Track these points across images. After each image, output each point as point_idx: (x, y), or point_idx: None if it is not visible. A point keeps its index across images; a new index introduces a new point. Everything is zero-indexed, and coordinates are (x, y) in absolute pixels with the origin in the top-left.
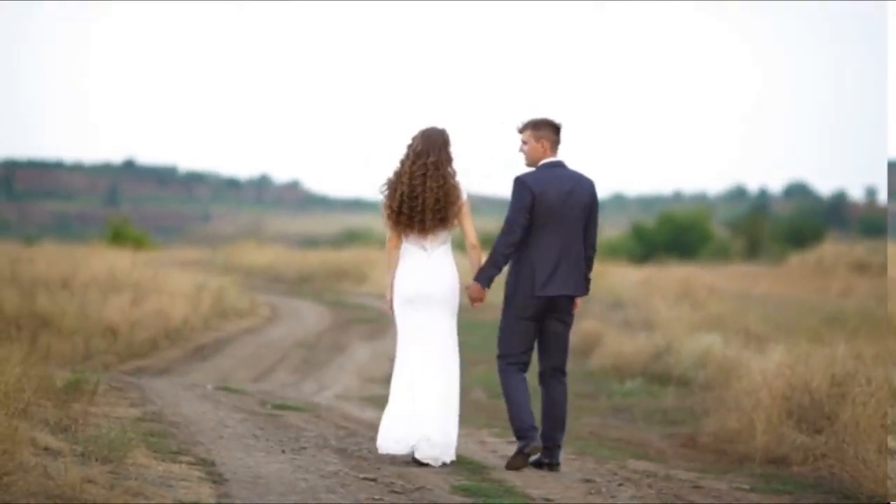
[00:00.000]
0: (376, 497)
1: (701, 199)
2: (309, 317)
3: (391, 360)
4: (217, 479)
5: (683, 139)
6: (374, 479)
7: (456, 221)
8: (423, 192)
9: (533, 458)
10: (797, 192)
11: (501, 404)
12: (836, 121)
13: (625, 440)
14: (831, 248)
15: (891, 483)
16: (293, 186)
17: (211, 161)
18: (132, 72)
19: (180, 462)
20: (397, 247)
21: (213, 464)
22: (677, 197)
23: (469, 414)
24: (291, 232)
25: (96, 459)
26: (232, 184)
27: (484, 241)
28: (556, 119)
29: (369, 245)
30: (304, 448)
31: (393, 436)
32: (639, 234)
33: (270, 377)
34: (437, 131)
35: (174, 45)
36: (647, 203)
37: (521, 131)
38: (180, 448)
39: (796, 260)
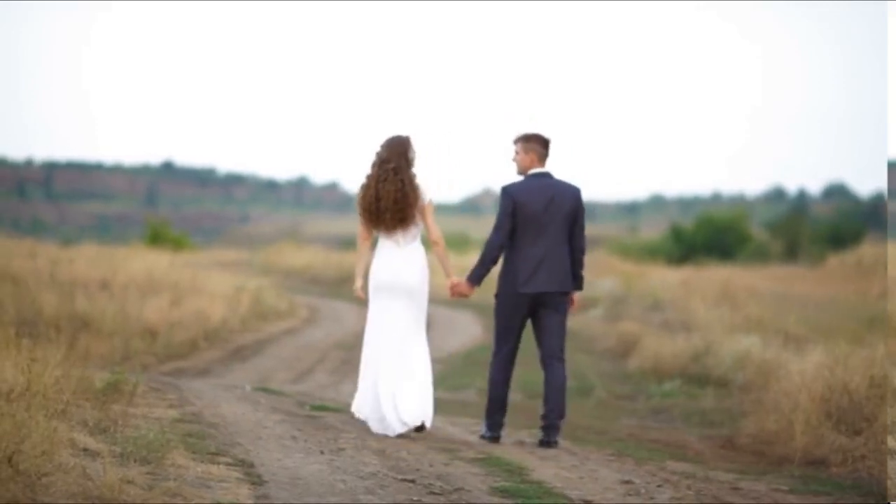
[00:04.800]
0: (415, 498)
1: (739, 201)
2: (348, 318)
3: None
4: (256, 480)
5: (722, 140)
6: (412, 481)
7: (420, 220)
8: (384, 195)
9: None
10: (836, 193)
11: (538, 405)
12: (879, 121)
13: (663, 441)
14: (870, 250)
15: (891, 483)
16: (332, 188)
17: (250, 162)
18: (172, 73)
19: (219, 463)
20: (367, 240)
21: (251, 465)
22: (716, 198)
23: (508, 415)
24: (330, 233)
25: (135, 460)
26: (271, 185)
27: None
28: (546, 134)
29: None
30: (343, 449)
31: (361, 410)
32: (677, 235)
33: (309, 378)
34: (399, 139)
35: (214, 47)
36: (685, 204)
37: (514, 143)
38: (219, 449)
39: (835, 261)
